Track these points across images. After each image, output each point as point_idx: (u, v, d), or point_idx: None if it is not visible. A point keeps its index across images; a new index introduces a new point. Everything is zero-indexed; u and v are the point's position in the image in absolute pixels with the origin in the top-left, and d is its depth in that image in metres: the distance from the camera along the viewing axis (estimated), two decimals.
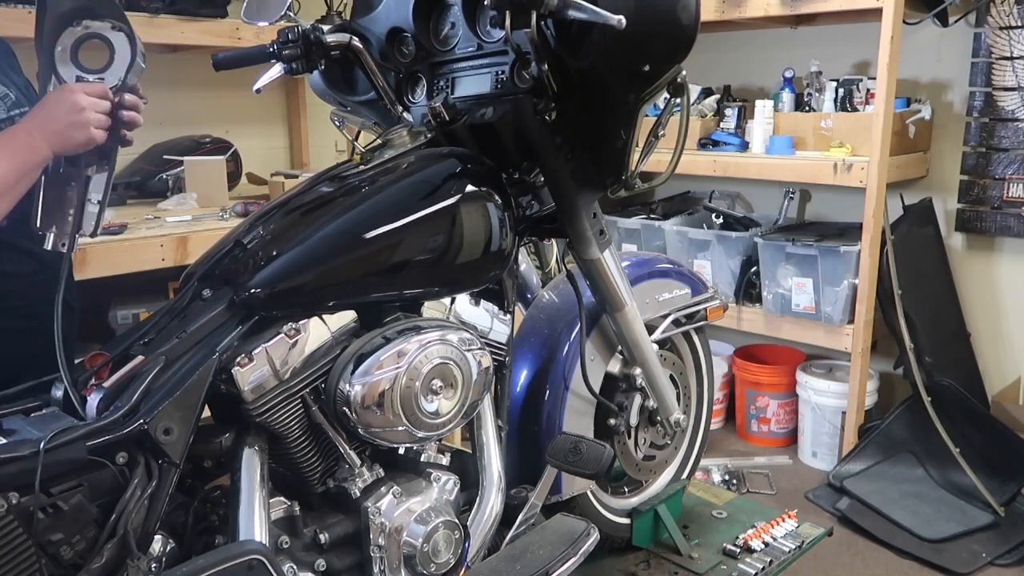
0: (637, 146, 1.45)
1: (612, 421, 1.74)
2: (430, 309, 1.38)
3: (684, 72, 1.37)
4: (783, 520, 1.96)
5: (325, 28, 1.54)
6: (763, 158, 3.05)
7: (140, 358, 1.13)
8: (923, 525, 2.50)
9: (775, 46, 3.38)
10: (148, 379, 1.10)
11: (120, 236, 2.01)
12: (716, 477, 2.89)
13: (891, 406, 2.95)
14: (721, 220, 3.29)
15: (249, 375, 1.15)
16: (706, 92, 3.40)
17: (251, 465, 1.19)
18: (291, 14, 1.56)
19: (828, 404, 2.99)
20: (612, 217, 3.44)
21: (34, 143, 1.29)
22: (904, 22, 2.70)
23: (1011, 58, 2.74)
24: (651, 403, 1.77)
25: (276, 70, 1.56)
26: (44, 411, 1.16)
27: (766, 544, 1.87)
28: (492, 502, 1.43)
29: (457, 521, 1.35)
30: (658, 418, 1.80)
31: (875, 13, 2.66)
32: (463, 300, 1.43)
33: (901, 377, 3.00)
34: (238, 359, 1.15)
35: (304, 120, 3.13)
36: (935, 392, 2.78)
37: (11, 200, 1.29)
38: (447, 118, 1.43)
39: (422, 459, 1.39)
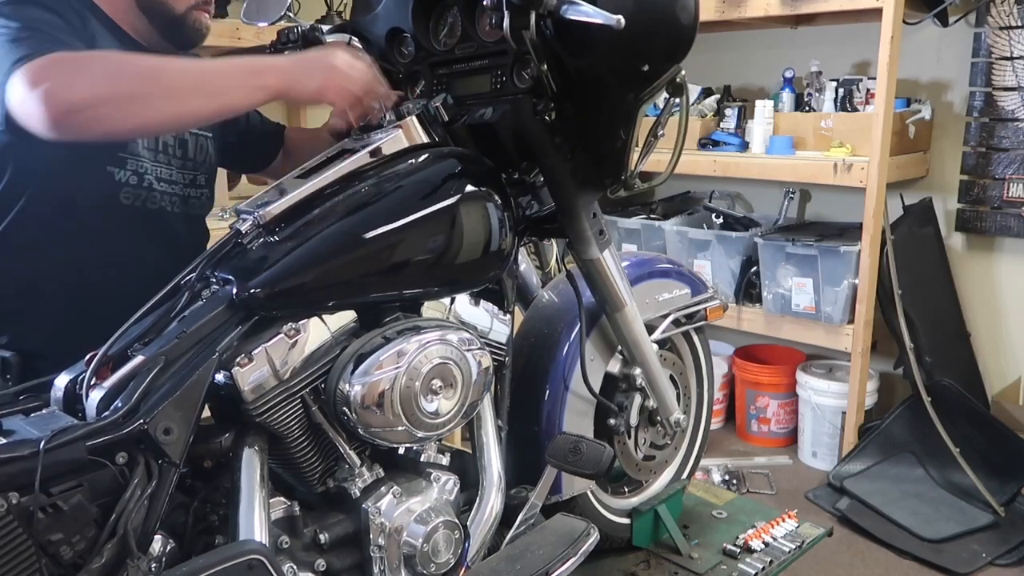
0: (636, 146, 1.45)
1: (612, 421, 1.74)
2: (430, 309, 1.38)
3: (683, 72, 1.37)
4: (783, 520, 1.96)
5: (325, 28, 1.54)
6: (763, 158, 3.05)
7: (140, 358, 1.13)
8: (923, 525, 2.50)
9: (775, 46, 3.38)
10: (148, 379, 1.10)
11: None
12: (716, 477, 2.89)
13: (891, 406, 2.95)
14: (721, 220, 3.29)
15: (249, 375, 1.15)
16: (706, 92, 3.40)
17: (251, 465, 1.19)
18: (291, 14, 1.56)
19: (828, 404, 2.99)
20: (612, 217, 3.44)
21: (269, 74, 1.23)
22: (904, 22, 2.70)
23: (1011, 58, 2.75)
24: (651, 403, 1.77)
25: None
26: (44, 411, 1.16)
27: (766, 544, 1.87)
28: (492, 502, 1.43)
29: (457, 521, 1.35)
30: (658, 418, 1.80)
31: (875, 13, 2.66)
32: (463, 300, 1.43)
33: (901, 377, 3.00)
34: (238, 359, 1.14)
35: (304, 120, 3.12)
36: (935, 392, 2.78)
37: (206, 104, 1.21)
38: (446, 118, 1.43)
39: (422, 459, 1.39)
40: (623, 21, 1.18)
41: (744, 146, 3.17)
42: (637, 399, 1.75)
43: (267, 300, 1.19)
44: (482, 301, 1.46)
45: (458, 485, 1.40)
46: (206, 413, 1.18)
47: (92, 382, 1.13)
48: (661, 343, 1.81)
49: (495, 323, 1.47)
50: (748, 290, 3.16)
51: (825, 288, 2.89)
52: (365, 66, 1.29)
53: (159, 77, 1.19)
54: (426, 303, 1.37)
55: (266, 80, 1.23)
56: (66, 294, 1.44)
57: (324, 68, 1.26)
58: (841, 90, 3.01)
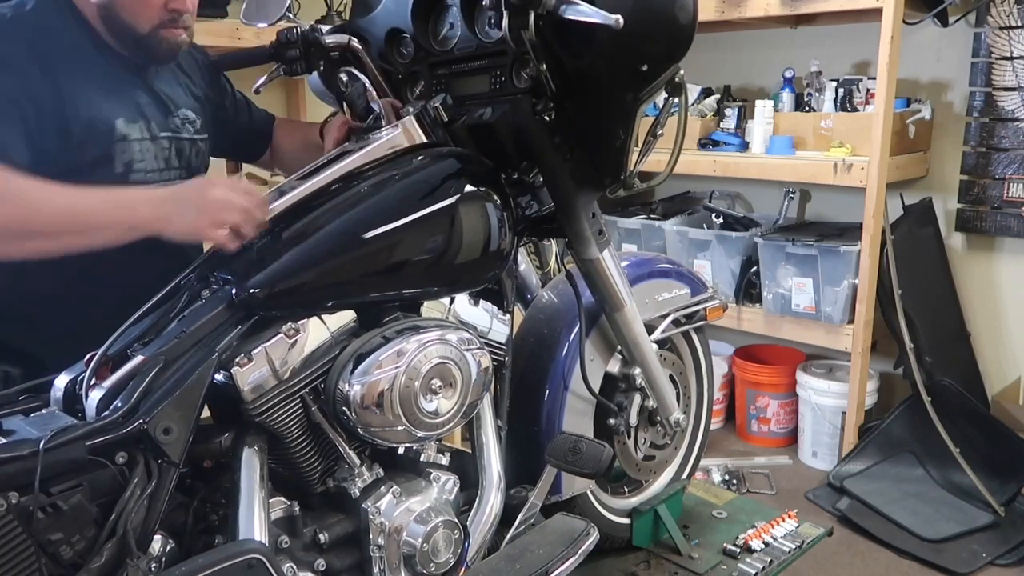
0: (636, 146, 1.45)
1: (612, 421, 1.74)
2: (429, 309, 1.38)
3: (682, 71, 1.37)
4: (783, 520, 1.96)
5: (324, 29, 1.54)
6: (763, 158, 3.04)
7: (140, 358, 1.14)
8: (923, 525, 2.49)
9: (775, 46, 3.38)
10: (148, 379, 1.11)
11: None
12: (716, 477, 2.88)
13: (891, 406, 2.95)
14: (721, 220, 3.28)
15: (248, 375, 1.15)
16: (706, 92, 3.40)
17: (251, 465, 1.19)
18: (290, 15, 1.56)
19: (828, 404, 2.99)
20: (612, 217, 3.44)
21: (142, 210, 1.22)
22: (904, 22, 2.70)
23: (1011, 58, 2.74)
24: (651, 403, 1.77)
25: (276, 71, 1.56)
26: (44, 411, 1.17)
27: (766, 544, 1.87)
28: (492, 502, 1.43)
29: (457, 521, 1.35)
30: (658, 418, 1.80)
31: (875, 13, 2.66)
32: (462, 300, 1.43)
33: (901, 377, 3.00)
34: (237, 359, 1.15)
35: (304, 113, 3.12)
36: (935, 392, 2.77)
37: (78, 240, 1.22)
38: (446, 118, 1.43)
39: (422, 459, 1.39)
40: (621, 21, 1.18)
41: (744, 146, 3.17)
42: (637, 399, 1.75)
43: (266, 300, 1.19)
44: (482, 301, 1.46)
45: (458, 485, 1.40)
46: (206, 413, 1.19)
47: (92, 382, 1.14)
48: (661, 343, 1.81)
49: (494, 323, 1.47)
50: (748, 290, 3.16)
51: (825, 288, 2.89)
52: (243, 195, 1.24)
53: (32, 214, 1.19)
54: (425, 303, 1.38)
55: (138, 218, 1.22)
56: (69, 294, 1.42)
57: (199, 204, 1.22)
58: (841, 90, 3.01)
